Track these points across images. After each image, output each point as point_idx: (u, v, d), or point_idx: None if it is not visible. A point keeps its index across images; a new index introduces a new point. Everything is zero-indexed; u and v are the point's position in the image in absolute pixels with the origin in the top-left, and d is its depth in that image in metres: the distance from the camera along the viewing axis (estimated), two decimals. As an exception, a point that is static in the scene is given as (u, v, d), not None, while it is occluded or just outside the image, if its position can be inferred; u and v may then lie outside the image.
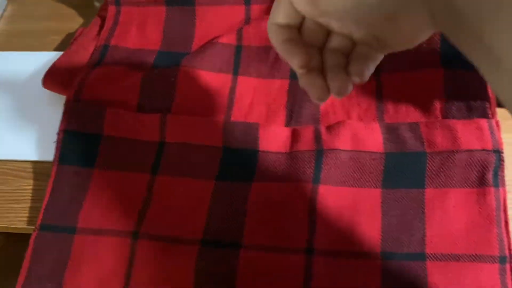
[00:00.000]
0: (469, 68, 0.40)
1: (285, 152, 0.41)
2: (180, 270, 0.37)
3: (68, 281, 0.38)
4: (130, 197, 0.40)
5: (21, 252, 0.39)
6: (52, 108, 0.47)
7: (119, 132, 0.42)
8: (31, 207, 0.42)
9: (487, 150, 0.38)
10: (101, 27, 0.50)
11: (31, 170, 0.44)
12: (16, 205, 0.42)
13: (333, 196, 0.39)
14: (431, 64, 0.42)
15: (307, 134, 0.41)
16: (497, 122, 0.40)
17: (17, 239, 0.42)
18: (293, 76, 0.45)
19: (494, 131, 0.39)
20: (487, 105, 0.41)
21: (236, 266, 0.37)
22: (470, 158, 0.38)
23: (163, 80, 0.45)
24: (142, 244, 0.38)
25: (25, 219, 0.41)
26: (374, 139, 0.40)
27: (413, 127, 0.41)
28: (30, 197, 0.42)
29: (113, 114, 0.43)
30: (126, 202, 0.40)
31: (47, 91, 0.47)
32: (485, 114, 0.40)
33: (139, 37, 0.49)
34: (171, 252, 0.38)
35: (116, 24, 0.50)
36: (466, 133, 0.39)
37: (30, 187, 0.43)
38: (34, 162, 0.44)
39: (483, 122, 0.39)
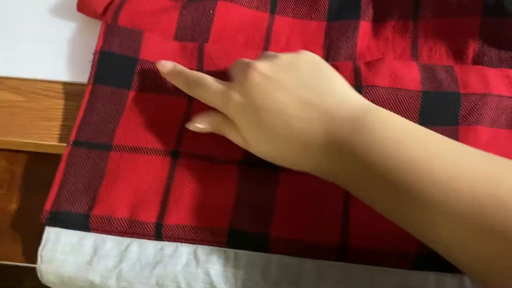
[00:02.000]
0: (506, 14, 0.42)
1: None
2: (221, 188, 0.37)
3: (103, 195, 0.37)
4: (168, 119, 0.40)
5: (49, 174, 0.38)
6: (84, 32, 0.46)
7: (156, 58, 0.42)
8: (62, 125, 0.41)
9: None
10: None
11: (62, 90, 0.43)
12: (47, 123, 0.41)
13: None
14: (471, 11, 0.43)
15: (346, 69, 0.41)
16: None
17: (46, 161, 0.41)
18: (330, 17, 0.46)
19: None
20: None
21: (276, 188, 0.37)
22: (500, 103, 0.40)
23: (201, 12, 0.45)
24: (182, 163, 0.38)
25: (57, 135, 0.41)
26: (412, 77, 0.41)
27: (448, 69, 0.42)
28: (61, 116, 0.42)
29: (150, 39, 0.43)
30: (163, 123, 0.40)
31: (79, 15, 0.46)
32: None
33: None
34: (212, 170, 0.38)
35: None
36: (497, 80, 0.41)
37: (62, 106, 0.42)
38: (65, 83, 0.43)
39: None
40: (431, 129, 0.39)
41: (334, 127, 0.31)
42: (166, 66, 0.39)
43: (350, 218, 0.36)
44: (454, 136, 0.39)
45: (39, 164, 0.42)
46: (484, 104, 0.39)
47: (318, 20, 0.46)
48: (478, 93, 0.40)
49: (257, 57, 0.37)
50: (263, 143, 0.34)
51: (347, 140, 0.30)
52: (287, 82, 0.33)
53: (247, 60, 0.36)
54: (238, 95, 0.33)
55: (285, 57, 0.34)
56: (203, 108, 0.40)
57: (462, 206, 0.26)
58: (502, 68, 0.42)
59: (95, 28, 0.44)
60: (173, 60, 0.42)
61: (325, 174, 0.33)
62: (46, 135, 0.41)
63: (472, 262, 0.28)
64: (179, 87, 0.39)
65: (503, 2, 0.42)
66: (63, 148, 0.39)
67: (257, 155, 0.36)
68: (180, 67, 0.39)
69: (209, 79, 0.37)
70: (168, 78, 0.40)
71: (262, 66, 0.33)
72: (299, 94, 0.32)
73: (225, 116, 0.36)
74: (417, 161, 0.28)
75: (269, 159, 0.35)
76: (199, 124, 0.38)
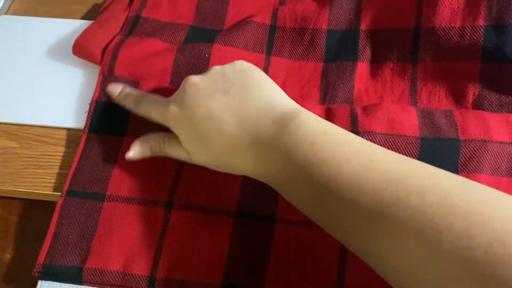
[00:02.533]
0: (507, 61, 0.41)
1: None
2: (215, 241, 0.37)
3: (96, 248, 0.37)
4: (161, 166, 0.40)
5: (44, 221, 0.38)
6: (82, 77, 0.46)
7: None
8: (57, 173, 0.41)
9: None
10: (132, -2, 0.49)
11: (56, 136, 0.43)
12: (41, 171, 0.41)
13: None
14: (470, 56, 0.43)
15: (342, 113, 0.41)
16: None
17: (40, 208, 0.41)
18: (327, 59, 0.45)
19: None
20: None
21: (271, 241, 0.37)
22: (501, 150, 0.39)
23: (196, 56, 0.44)
24: (175, 214, 0.38)
25: (51, 185, 0.40)
26: (410, 123, 0.40)
27: (448, 114, 0.41)
28: (56, 164, 0.41)
29: (145, 88, 0.43)
30: (157, 172, 0.39)
31: (74, 59, 0.46)
32: None
33: (171, 11, 0.49)
34: (206, 222, 0.37)
35: (148, -4, 0.49)
36: (497, 125, 0.40)
37: (56, 153, 0.42)
38: (61, 129, 0.43)
39: None
40: None
41: (258, 130, 0.32)
42: (116, 88, 0.41)
43: (346, 272, 0.36)
44: None
45: (34, 211, 0.41)
46: (485, 151, 0.39)
47: (315, 61, 0.46)
48: (478, 139, 0.39)
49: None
50: (201, 151, 0.35)
51: (270, 141, 0.31)
52: (217, 89, 0.34)
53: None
54: (175, 106, 0.35)
55: (217, 68, 0.36)
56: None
57: (367, 207, 0.27)
58: (503, 113, 0.41)
59: (93, 73, 0.44)
60: None
61: (258, 176, 0.34)
62: (40, 183, 0.40)
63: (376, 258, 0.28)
64: (129, 108, 0.40)
65: (504, 48, 0.41)
66: (57, 197, 0.39)
67: (199, 164, 0.36)
68: (128, 89, 0.41)
69: (153, 96, 0.39)
70: (118, 100, 0.41)
71: (195, 78, 0.35)
72: (227, 100, 0.33)
73: (168, 134, 0.38)
74: (328, 162, 0.29)
75: (210, 167, 0.36)
76: (132, 153, 0.38)
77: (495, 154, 0.39)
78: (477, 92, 0.42)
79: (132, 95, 0.40)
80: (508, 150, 0.39)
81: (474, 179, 0.38)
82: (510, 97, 0.42)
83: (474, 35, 0.42)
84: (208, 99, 0.34)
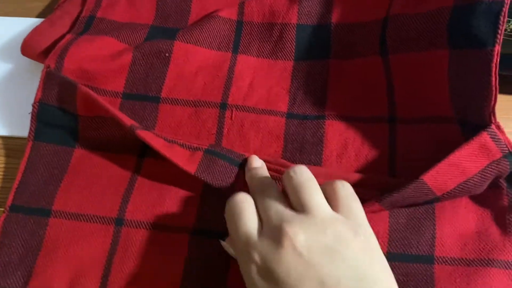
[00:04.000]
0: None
1: None
2: (169, 261, 0.33)
3: (39, 269, 0.33)
4: (113, 181, 0.36)
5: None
6: (28, 78, 0.42)
7: (93, 112, 0.37)
8: (1, 187, 0.37)
9: (498, 160, 0.33)
10: (88, -5, 0.45)
11: (1, 146, 0.39)
12: (-18, 184, 0.37)
13: None
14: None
15: None
16: (498, 126, 0.33)
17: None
18: (298, 57, 0.42)
19: (498, 137, 0.33)
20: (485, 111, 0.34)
21: (228, 259, 0.33)
22: (483, 176, 0.33)
23: (156, 55, 0.41)
24: (127, 232, 0.34)
25: (-4, 199, 0.37)
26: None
27: (418, 188, 0.33)
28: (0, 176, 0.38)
29: (83, 93, 0.37)
30: (108, 186, 0.36)
31: (26, 59, 0.42)
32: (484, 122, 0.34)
33: (129, 10, 0.45)
34: (159, 240, 0.34)
35: (103, -7, 0.45)
36: (471, 161, 0.33)
37: (1, 165, 0.38)
38: (3, 138, 0.40)
39: (485, 137, 0.32)
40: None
41: None
42: (254, 163, 0.34)
43: None
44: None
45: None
46: (465, 185, 0.33)
47: (284, 59, 0.42)
48: (457, 187, 0.33)
49: (314, 215, 0.28)
50: None
51: None
52: (322, 273, 0.25)
53: (282, 211, 0.28)
54: (259, 259, 0.27)
55: (332, 230, 0.26)
56: (154, 167, 0.36)
57: None
58: (472, 139, 0.32)
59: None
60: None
61: None
62: (-19, 198, 0.37)
63: None
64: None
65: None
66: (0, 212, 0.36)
67: None
68: (262, 170, 0.33)
69: (250, 207, 0.29)
70: (246, 177, 0.34)
71: (300, 238, 0.26)
72: None
73: None
74: None
75: None
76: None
77: (476, 182, 0.33)
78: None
79: (252, 180, 0.32)
80: (490, 171, 0.33)
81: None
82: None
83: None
84: (311, 281, 0.25)
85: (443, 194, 0.33)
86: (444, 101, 0.36)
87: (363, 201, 0.31)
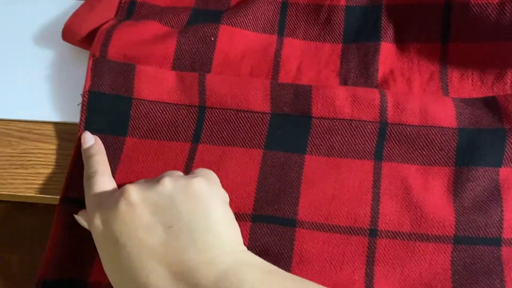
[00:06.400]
0: None
1: (343, 119, 0.36)
2: None
3: (98, 263, 0.32)
4: (167, 167, 0.35)
5: (28, 223, 0.33)
6: (70, 65, 0.41)
7: (152, 95, 0.37)
8: (40, 173, 0.36)
9: None
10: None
11: (38, 132, 0.38)
12: (22, 171, 0.36)
13: (398, 175, 0.34)
14: (509, 36, 0.37)
15: (370, 102, 0.36)
16: None
17: (24, 208, 0.36)
18: (346, 40, 0.40)
19: None
20: None
21: (293, 243, 0.32)
22: None
23: (201, 39, 0.39)
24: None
25: (36, 186, 0.35)
26: (446, 113, 0.35)
27: (489, 101, 0.36)
28: (38, 162, 0.36)
29: (144, 73, 0.37)
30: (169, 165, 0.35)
31: (63, 44, 0.41)
32: None
33: (171, -7, 0.44)
34: None
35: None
36: None
37: (37, 150, 0.37)
38: (41, 123, 0.38)
39: None
40: (471, 171, 0.33)
41: None
42: (88, 140, 0.35)
43: None
44: (494, 180, 0.33)
45: (17, 213, 0.36)
46: None
47: (332, 42, 0.40)
48: None
49: (155, 178, 0.30)
50: (117, 284, 0.28)
51: None
52: (157, 218, 0.27)
53: (140, 182, 0.30)
54: (99, 219, 0.28)
55: (168, 184, 0.28)
56: (209, 154, 0.35)
57: None
58: None
59: (82, 60, 0.39)
60: (172, 96, 0.37)
61: None
62: (22, 185, 0.35)
63: None
64: None
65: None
66: (43, 199, 0.34)
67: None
68: (96, 149, 0.34)
69: (97, 180, 0.31)
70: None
71: (135, 193, 0.28)
72: (165, 240, 0.26)
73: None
74: None
75: None
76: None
77: None
78: None
79: (88, 161, 0.33)
80: None
81: None
82: None
83: None
84: (141, 231, 0.27)
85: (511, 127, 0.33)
86: None
87: None
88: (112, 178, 0.32)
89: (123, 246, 0.26)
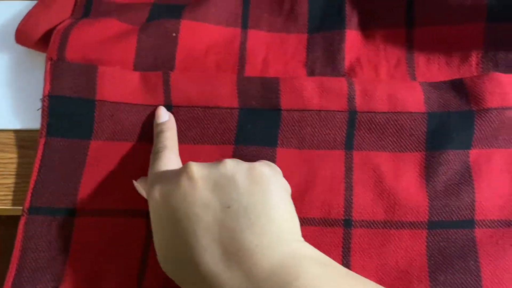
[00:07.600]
0: None
1: (312, 110, 0.35)
2: None
3: (69, 270, 0.31)
4: (137, 170, 0.34)
5: (7, 237, 0.32)
6: (26, 69, 0.39)
7: (116, 96, 0.36)
8: (15, 184, 0.35)
9: None
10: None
11: (7, 141, 0.36)
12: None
13: (370, 163, 0.34)
14: (473, 18, 0.37)
15: (338, 91, 0.35)
16: None
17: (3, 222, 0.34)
18: (311, 29, 0.40)
19: None
20: None
21: None
22: None
23: (162, 36, 0.38)
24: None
25: (9, 198, 0.34)
26: (414, 98, 0.35)
27: (457, 83, 0.36)
28: (12, 172, 0.35)
29: (106, 74, 0.36)
30: (135, 177, 0.33)
31: (20, 47, 0.39)
32: None
33: (129, -12, 0.42)
34: None
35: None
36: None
37: (4, 161, 0.35)
38: (9, 131, 0.37)
39: None
40: (442, 155, 0.34)
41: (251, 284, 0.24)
42: (162, 116, 0.35)
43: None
44: (465, 162, 0.34)
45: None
46: (501, 121, 0.34)
47: (297, 32, 0.40)
48: (495, 108, 0.34)
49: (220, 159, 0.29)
50: (169, 265, 0.27)
51: None
52: (216, 197, 0.26)
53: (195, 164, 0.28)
54: (159, 193, 0.28)
55: (230, 165, 0.28)
56: (179, 154, 0.34)
57: None
58: None
59: (39, 63, 0.38)
60: (137, 97, 0.36)
61: None
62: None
63: None
64: None
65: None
66: (4, 211, 0.33)
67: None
68: (168, 125, 0.34)
69: (164, 155, 0.31)
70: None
71: (198, 171, 0.27)
72: (221, 219, 0.26)
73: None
74: None
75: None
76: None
77: (511, 122, 0.34)
78: (480, 54, 0.37)
79: (159, 138, 0.33)
80: None
81: (487, 155, 0.34)
82: None
83: None
84: (198, 207, 0.26)
85: (480, 109, 0.34)
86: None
87: None
88: (179, 156, 0.33)
89: (179, 221, 0.26)
